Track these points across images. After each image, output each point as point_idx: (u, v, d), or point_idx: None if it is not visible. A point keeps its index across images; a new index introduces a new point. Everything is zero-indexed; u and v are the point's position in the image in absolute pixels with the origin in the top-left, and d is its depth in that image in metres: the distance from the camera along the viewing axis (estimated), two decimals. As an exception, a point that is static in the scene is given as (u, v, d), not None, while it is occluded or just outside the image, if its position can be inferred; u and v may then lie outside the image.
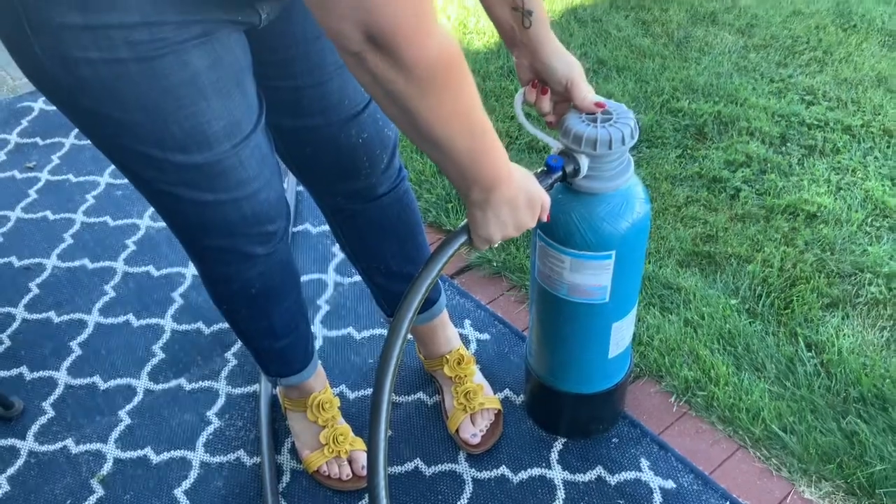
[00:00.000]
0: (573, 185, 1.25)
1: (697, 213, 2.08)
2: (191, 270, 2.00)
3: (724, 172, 2.20)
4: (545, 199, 1.13)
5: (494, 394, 1.66)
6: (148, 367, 1.76)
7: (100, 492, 1.53)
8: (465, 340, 1.79)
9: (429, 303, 1.58)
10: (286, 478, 1.55)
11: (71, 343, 1.82)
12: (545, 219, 1.15)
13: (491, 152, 0.99)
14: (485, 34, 2.88)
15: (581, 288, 1.34)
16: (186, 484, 1.54)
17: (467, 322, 1.83)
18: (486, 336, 1.80)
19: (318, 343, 1.80)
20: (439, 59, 0.83)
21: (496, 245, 1.14)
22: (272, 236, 1.26)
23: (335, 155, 1.32)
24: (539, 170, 1.19)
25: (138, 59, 0.94)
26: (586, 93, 1.21)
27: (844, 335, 1.73)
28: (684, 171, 2.23)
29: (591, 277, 1.32)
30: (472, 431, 1.57)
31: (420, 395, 1.69)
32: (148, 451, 1.60)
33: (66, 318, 1.89)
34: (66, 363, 1.78)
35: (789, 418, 1.57)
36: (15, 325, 1.88)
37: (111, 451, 1.60)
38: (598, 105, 1.21)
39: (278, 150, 1.34)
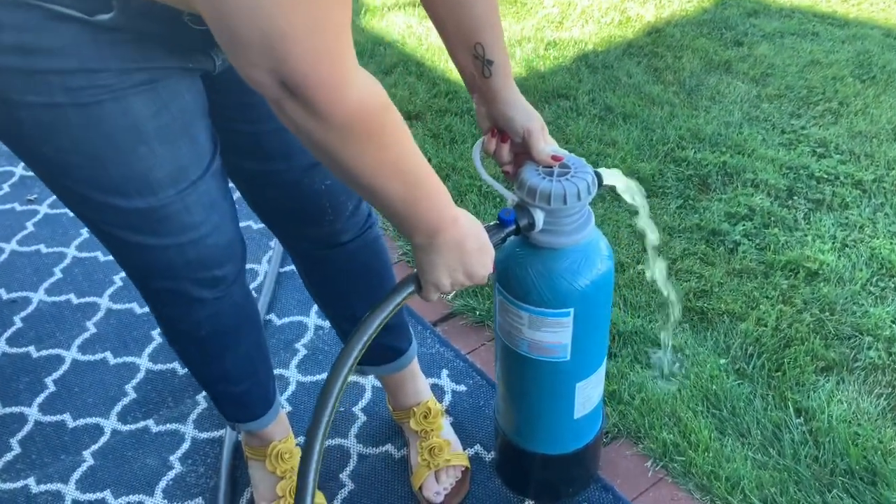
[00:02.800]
0: (530, 239, 1.21)
1: (693, 266, 2.02)
2: (174, 309, 1.99)
3: (725, 225, 2.13)
4: (491, 252, 1.09)
5: (464, 450, 1.60)
6: (118, 407, 1.74)
7: (52, 535, 1.51)
8: (440, 391, 1.74)
9: (396, 352, 1.54)
10: (242, 528, 1.51)
11: (46, 379, 1.82)
12: (491, 269, 1.11)
13: (430, 198, 0.96)
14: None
15: (540, 345, 1.28)
16: (140, 531, 1.51)
17: (444, 372, 1.78)
18: (462, 387, 1.75)
19: (290, 388, 1.77)
20: (359, 108, 0.81)
21: (449, 294, 1.10)
22: (221, 280, 1.24)
23: (298, 200, 1.29)
24: (492, 223, 1.16)
25: (76, 105, 0.94)
26: (544, 145, 1.18)
27: (837, 401, 1.65)
28: (683, 222, 2.16)
29: (550, 335, 1.27)
30: (436, 489, 1.52)
31: (388, 447, 1.64)
32: (107, 495, 1.57)
33: (44, 353, 1.88)
34: (39, 399, 1.77)
35: (771, 489, 1.49)
36: (-6, 358, 1.88)
37: (70, 492, 1.57)
38: (555, 158, 1.18)
39: (241, 192, 1.32)
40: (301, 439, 1.66)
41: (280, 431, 1.54)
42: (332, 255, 1.39)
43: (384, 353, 1.53)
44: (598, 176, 1.22)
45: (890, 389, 1.68)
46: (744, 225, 2.14)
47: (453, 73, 2.90)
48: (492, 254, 1.09)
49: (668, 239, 2.11)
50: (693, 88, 2.79)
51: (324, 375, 1.78)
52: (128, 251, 1.15)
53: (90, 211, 1.08)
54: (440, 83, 2.83)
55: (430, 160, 2.42)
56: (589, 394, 1.39)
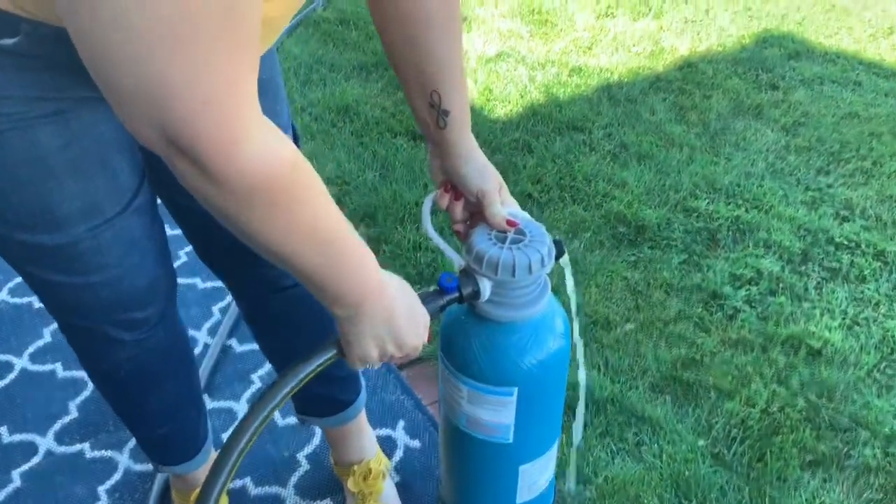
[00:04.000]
0: (476, 309, 1.09)
1: (686, 331, 1.87)
2: (135, 323, 1.91)
3: (727, 288, 1.99)
4: (426, 318, 0.98)
5: (406, 514, 1.49)
6: (57, 426, 1.66)
7: (-39, 561, 1.43)
8: (392, 445, 1.62)
9: (341, 405, 1.43)
10: (157, 577, 1.41)
11: (-11, 387, 1.74)
12: (426, 339, 1.00)
13: (350, 265, 0.85)
14: (508, 103, 2.73)
15: (480, 422, 1.17)
16: (52, 567, 1.42)
17: (400, 424, 1.67)
18: (416, 443, 1.63)
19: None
20: (257, 170, 0.70)
21: (376, 366, 0.99)
22: (142, 323, 1.14)
23: (233, 239, 1.19)
24: (431, 288, 1.04)
25: None
26: (499, 208, 1.07)
27: (820, 503, 1.50)
28: (683, 280, 2.02)
29: (491, 413, 1.15)
30: (367, 557, 1.41)
31: (327, 501, 1.53)
32: (25, 523, 1.49)
33: (-7, 358, 1.81)
34: (-22, 408, 1.70)
35: None
36: (-58, 359, 1.81)
37: (-11, 515, 1.49)
38: (510, 223, 1.07)
39: (177, 224, 1.23)
40: (241, 482, 1.56)
41: (209, 477, 1.44)
42: (275, 300, 1.29)
43: (328, 405, 1.42)
44: (559, 246, 1.10)
45: (881, 495, 1.53)
46: (748, 290, 1.99)
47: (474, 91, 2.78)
48: (425, 322, 0.98)
49: (665, 297, 1.97)
50: (717, 132, 2.64)
51: (275, 413, 1.68)
52: (37, 286, 1.06)
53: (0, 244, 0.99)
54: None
55: (426, 186, 2.32)
56: (535, 478, 1.26)
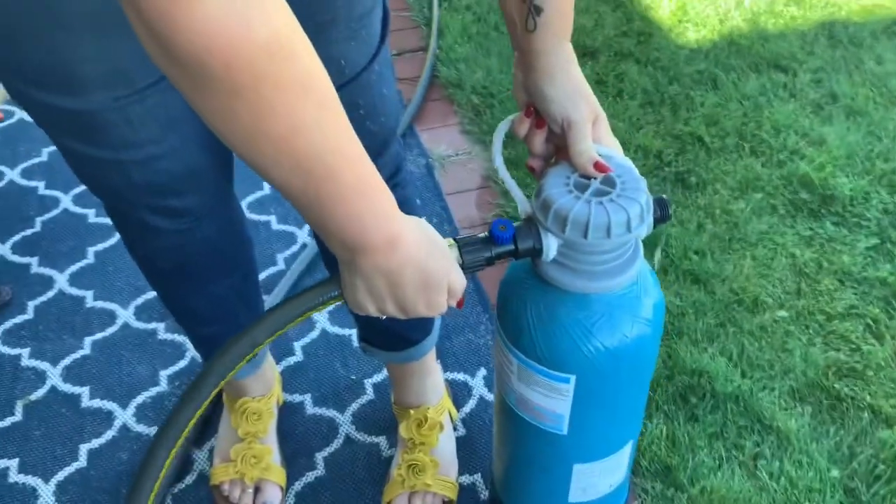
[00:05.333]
0: (538, 268, 0.86)
1: (853, 333, 1.52)
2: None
3: (921, 289, 1.59)
4: (456, 283, 0.77)
5: (460, 475, 1.32)
6: (140, 300, 1.62)
7: (17, 416, 1.42)
8: (466, 393, 1.44)
9: (405, 342, 1.26)
10: (190, 478, 1.34)
11: (88, 248, 1.73)
12: (454, 304, 0.80)
13: (349, 204, 0.64)
14: (703, 27, 2.35)
15: (530, 405, 0.96)
16: (97, 442, 1.39)
17: (481, 372, 1.48)
18: (492, 398, 1.44)
19: (311, 334, 1.54)
20: (211, 47, 0.51)
21: (381, 317, 0.79)
22: (182, 212, 1.03)
23: None
24: (479, 235, 0.82)
25: None
26: (588, 144, 0.83)
27: (977, 587, 1.16)
28: (867, 270, 1.64)
29: (542, 397, 0.94)
30: (404, 514, 1.26)
31: (381, 439, 1.39)
32: (84, 392, 1.46)
33: (100, 220, 1.79)
34: (73, 268, 1.68)
35: None
36: (55, 211, 1.81)
37: (54, 377, 1.48)
38: (599, 168, 0.82)
39: None
40: (299, 398, 1.45)
41: (258, 388, 1.34)
42: None
43: (391, 338, 1.26)
44: (663, 207, 0.85)
45: None
46: (948, 296, 1.59)
47: (658, 10, 2.42)
48: (455, 289, 0.77)
49: (837, 287, 1.61)
50: (959, 96, 2.13)
51: (352, 332, 1.55)
52: (67, 156, 0.96)
53: (18, 98, 0.88)
54: (636, 20, 2.37)
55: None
56: (593, 481, 1.04)
